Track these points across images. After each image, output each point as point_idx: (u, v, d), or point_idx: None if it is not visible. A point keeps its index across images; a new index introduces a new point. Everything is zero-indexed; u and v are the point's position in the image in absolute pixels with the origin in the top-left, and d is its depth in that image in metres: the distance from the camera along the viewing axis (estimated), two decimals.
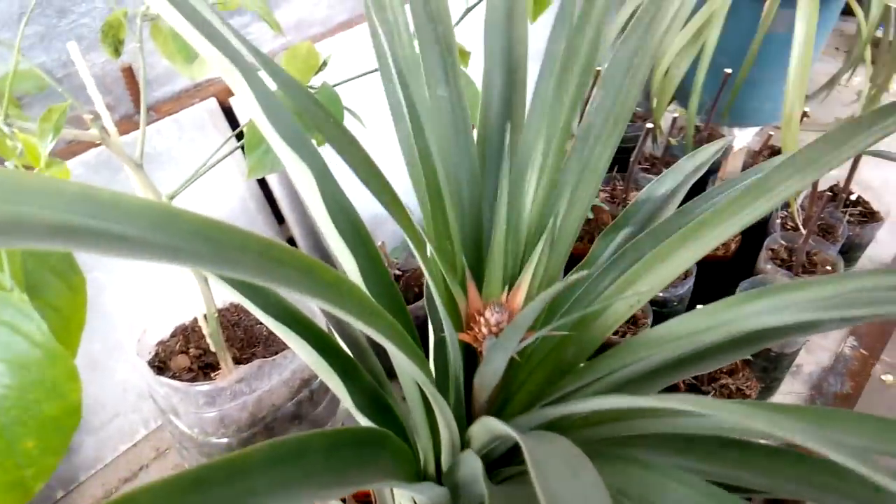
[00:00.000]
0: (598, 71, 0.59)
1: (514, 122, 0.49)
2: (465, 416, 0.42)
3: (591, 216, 1.10)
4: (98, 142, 0.58)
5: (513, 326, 0.32)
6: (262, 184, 1.00)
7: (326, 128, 0.36)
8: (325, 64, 0.69)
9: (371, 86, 0.62)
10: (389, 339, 0.29)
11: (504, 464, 0.41)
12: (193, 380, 0.71)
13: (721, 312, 0.34)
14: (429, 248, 0.41)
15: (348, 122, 0.50)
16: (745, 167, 1.34)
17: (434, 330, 0.47)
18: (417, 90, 0.46)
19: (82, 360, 0.81)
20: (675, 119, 1.14)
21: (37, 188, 0.17)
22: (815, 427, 0.30)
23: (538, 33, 0.59)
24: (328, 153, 0.42)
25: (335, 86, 0.67)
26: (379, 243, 0.86)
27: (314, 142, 0.57)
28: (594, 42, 0.46)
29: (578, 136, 0.47)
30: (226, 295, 0.84)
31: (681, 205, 0.53)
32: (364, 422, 0.42)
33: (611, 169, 1.22)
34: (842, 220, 1.11)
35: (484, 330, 0.38)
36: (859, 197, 1.20)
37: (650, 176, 1.17)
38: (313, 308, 0.65)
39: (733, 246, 1.10)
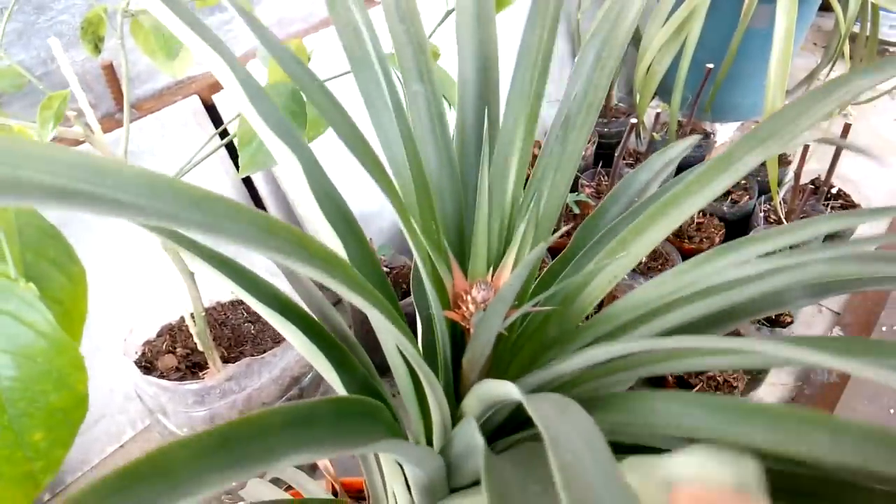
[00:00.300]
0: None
1: (490, 112, 0.50)
2: (455, 396, 0.42)
3: (577, 211, 1.11)
4: (82, 139, 0.57)
5: (499, 298, 0.32)
6: (248, 184, 0.99)
7: (322, 103, 0.36)
8: (307, 59, 0.69)
9: (343, 84, 0.62)
10: (379, 309, 0.29)
11: (496, 438, 0.41)
12: (181, 379, 0.70)
13: (685, 273, 0.35)
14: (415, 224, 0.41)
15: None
16: None
17: (420, 314, 0.48)
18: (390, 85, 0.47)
19: None
20: (658, 115, 1.14)
21: (36, 154, 0.18)
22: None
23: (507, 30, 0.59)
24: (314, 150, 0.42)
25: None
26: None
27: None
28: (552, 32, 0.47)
29: (555, 123, 0.48)
30: (213, 294, 0.84)
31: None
32: None
33: (595, 164, 1.22)
34: (823, 212, 1.12)
35: (471, 307, 0.39)
36: (840, 190, 1.21)
37: None
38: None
39: (717, 240, 1.11)
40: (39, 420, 0.30)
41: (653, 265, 1.04)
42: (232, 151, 0.96)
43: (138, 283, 0.82)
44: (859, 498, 0.26)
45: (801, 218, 1.12)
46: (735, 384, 0.93)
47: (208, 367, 0.73)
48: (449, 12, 0.72)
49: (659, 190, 0.52)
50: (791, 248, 0.33)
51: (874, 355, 0.30)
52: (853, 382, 1.01)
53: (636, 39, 1.32)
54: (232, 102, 0.94)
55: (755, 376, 0.97)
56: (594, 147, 1.24)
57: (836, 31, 1.40)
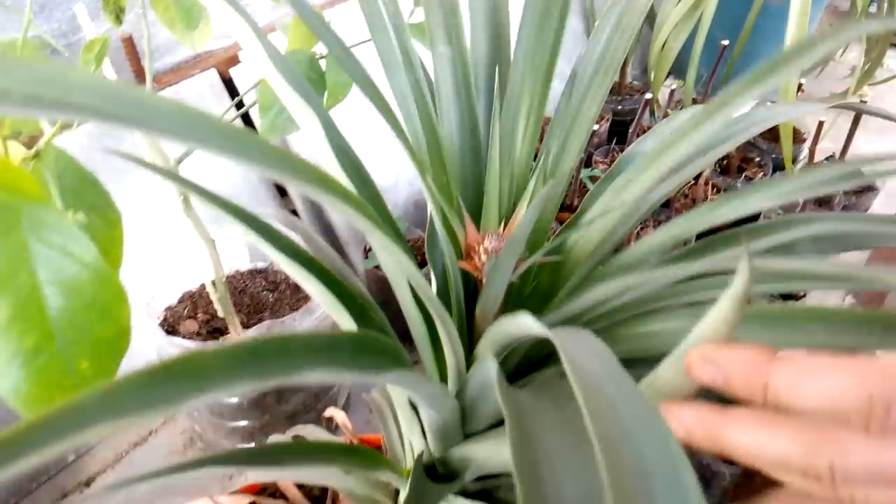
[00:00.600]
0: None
1: (500, 73, 0.50)
2: (468, 346, 0.43)
3: (591, 187, 1.11)
4: None
5: (510, 241, 0.33)
6: None
7: (347, 63, 0.38)
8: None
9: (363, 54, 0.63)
10: (384, 232, 0.30)
11: (509, 382, 0.43)
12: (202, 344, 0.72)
13: (698, 217, 0.36)
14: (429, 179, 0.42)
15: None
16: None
17: (435, 273, 0.49)
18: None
19: None
20: (672, 92, 1.14)
21: (21, 66, 0.19)
22: None
23: None
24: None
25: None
26: None
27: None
28: None
29: (569, 85, 0.49)
30: (232, 263, 0.86)
31: None
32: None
33: (609, 141, 1.23)
34: (838, 190, 1.12)
35: (483, 257, 0.40)
36: None
37: None
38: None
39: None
40: (86, 349, 0.31)
41: None
42: (248, 124, 0.98)
43: (159, 251, 0.84)
44: None
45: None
46: None
47: (228, 333, 0.75)
48: None
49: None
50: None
51: None
52: None
53: (650, 17, 1.32)
54: (251, 72, 0.95)
55: None
56: (608, 124, 1.25)
57: (852, 11, 1.40)
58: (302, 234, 0.48)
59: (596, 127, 1.11)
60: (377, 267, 0.92)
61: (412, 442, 0.47)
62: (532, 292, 0.47)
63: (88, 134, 0.82)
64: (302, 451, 0.40)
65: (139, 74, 0.92)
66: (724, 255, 0.40)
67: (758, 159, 1.21)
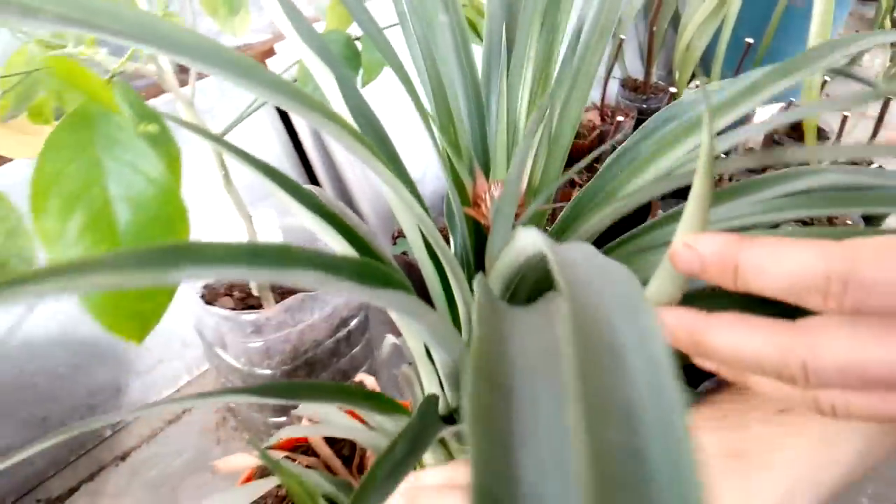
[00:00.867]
0: None
1: (507, 35, 0.52)
2: None
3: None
4: (154, 76, 0.62)
5: (507, 182, 0.35)
6: (297, 146, 1.03)
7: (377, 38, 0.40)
8: None
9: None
10: (397, 177, 0.31)
11: None
12: None
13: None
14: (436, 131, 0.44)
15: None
16: (765, 142, 1.36)
17: (452, 231, 0.50)
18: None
19: None
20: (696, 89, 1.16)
21: None
22: None
23: None
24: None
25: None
26: None
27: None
28: None
29: (571, 44, 0.51)
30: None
31: None
32: (394, 317, 0.45)
33: None
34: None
35: (489, 204, 0.42)
36: (880, 165, 1.21)
37: None
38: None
39: None
40: None
41: None
42: (281, 111, 1.01)
43: (198, 229, 0.87)
44: None
45: None
46: None
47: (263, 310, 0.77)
48: None
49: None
50: None
51: None
52: None
53: (675, 18, 1.34)
54: (286, 62, 0.98)
55: None
56: (633, 122, 1.26)
57: (877, 16, 1.40)
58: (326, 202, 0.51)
59: (621, 118, 1.13)
60: (405, 253, 0.94)
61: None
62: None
63: None
64: (324, 390, 0.41)
65: (182, 67, 0.96)
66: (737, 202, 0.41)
67: None
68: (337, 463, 0.59)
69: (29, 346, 0.78)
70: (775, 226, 0.36)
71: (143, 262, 0.21)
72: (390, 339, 0.65)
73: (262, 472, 0.56)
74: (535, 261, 0.33)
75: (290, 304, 0.69)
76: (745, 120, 1.32)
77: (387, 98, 0.82)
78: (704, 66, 1.32)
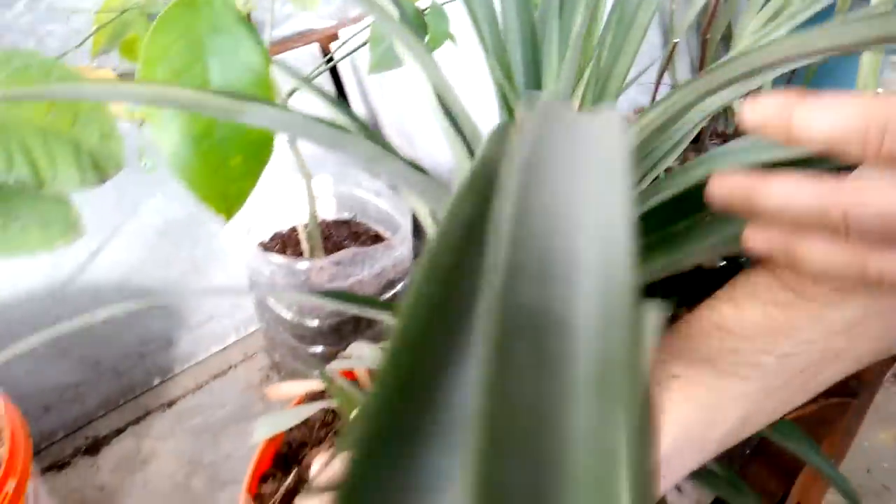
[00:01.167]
0: None
1: None
2: None
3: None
4: None
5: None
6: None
7: None
8: None
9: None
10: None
11: None
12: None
13: None
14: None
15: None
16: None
17: None
18: None
19: (185, 265, 0.88)
20: (747, 95, 1.17)
21: None
22: None
23: None
24: None
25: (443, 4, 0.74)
26: None
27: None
28: None
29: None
30: (321, 212, 0.91)
31: None
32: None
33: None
34: None
35: None
36: None
37: None
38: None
39: None
40: (239, 147, 0.37)
41: None
42: (338, 84, 1.05)
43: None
44: None
45: None
46: None
47: None
48: None
49: None
50: None
51: None
52: None
53: (726, 35, 1.36)
54: (351, 41, 1.03)
55: None
56: None
57: None
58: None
59: None
60: None
61: None
62: None
63: None
64: (369, 300, 0.44)
65: None
66: None
67: None
68: None
69: (91, 292, 0.82)
70: None
71: (219, 97, 0.24)
72: None
73: (311, 399, 0.58)
74: None
75: (342, 258, 0.72)
76: None
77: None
78: None
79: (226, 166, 0.37)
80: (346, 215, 0.91)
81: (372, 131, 0.46)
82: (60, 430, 0.84)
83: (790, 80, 1.20)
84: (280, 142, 0.72)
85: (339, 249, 0.87)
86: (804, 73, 1.27)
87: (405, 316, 0.12)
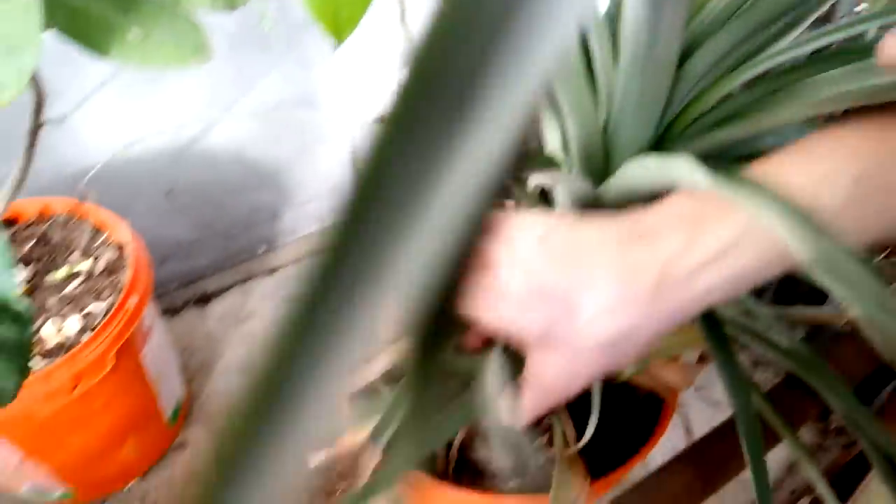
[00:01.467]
0: None
1: None
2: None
3: None
4: None
5: None
6: None
7: None
8: None
9: None
10: None
11: None
12: None
13: None
14: None
15: None
16: None
17: None
18: None
19: (292, 147, 0.93)
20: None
21: None
22: None
23: None
24: None
25: None
26: None
27: None
28: None
29: None
30: None
31: None
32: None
33: None
34: None
35: None
36: None
37: None
38: None
39: None
40: None
41: None
42: None
43: (357, 81, 0.93)
44: None
45: None
46: None
47: None
48: None
49: None
50: None
51: None
52: None
53: None
54: None
55: None
56: None
57: None
58: None
59: None
60: None
61: None
62: None
63: None
64: None
65: None
66: None
67: None
68: None
69: (210, 159, 0.88)
70: None
71: None
72: None
73: None
74: None
75: None
76: None
77: None
78: None
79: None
80: None
81: None
82: (175, 281, 0.92)
83: None
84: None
85: None
86: None
87: None
